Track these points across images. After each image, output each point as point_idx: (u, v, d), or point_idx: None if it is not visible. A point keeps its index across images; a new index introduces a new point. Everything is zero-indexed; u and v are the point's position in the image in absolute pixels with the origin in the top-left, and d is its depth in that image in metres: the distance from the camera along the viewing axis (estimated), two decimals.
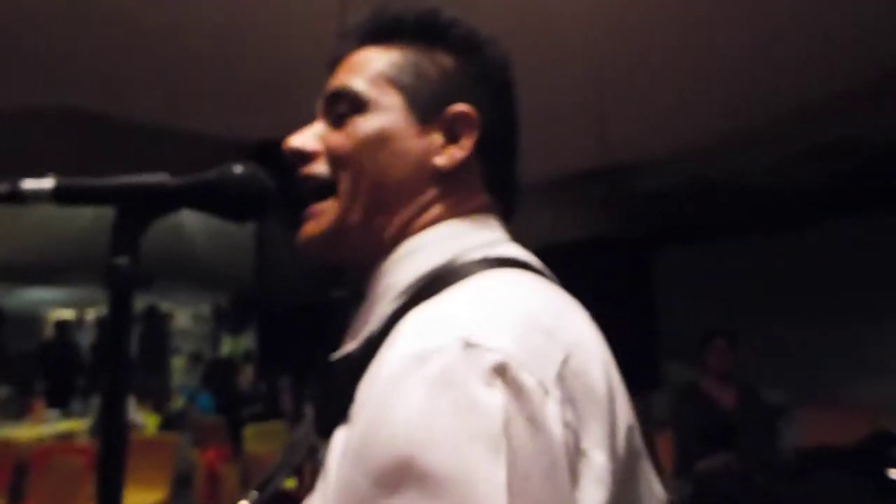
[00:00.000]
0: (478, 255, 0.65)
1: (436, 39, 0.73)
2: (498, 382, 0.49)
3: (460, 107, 0.70)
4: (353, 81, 0.71)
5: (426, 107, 0.70)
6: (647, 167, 5.18)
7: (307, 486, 0.68)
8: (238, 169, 0.62)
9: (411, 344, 0.53)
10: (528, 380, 0.50)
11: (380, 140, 0.68)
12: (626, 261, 5.55)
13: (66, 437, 5.37)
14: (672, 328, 4.84)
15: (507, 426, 0.47)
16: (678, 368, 4.20)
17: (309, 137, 0.72)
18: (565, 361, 0.53)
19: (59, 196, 0.63)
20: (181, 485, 5.50)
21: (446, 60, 0.72)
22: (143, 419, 5.80)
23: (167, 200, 0.62)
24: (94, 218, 5.65)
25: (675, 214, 5.80)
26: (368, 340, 0.63)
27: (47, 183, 0.63)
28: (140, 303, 8.45)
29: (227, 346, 11.02)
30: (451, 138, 0.70)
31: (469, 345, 0.50)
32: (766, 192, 5.21)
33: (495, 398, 0.48)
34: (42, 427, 5.47)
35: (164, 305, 10.02)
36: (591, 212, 5.49)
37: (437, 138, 0.70)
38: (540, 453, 0.48)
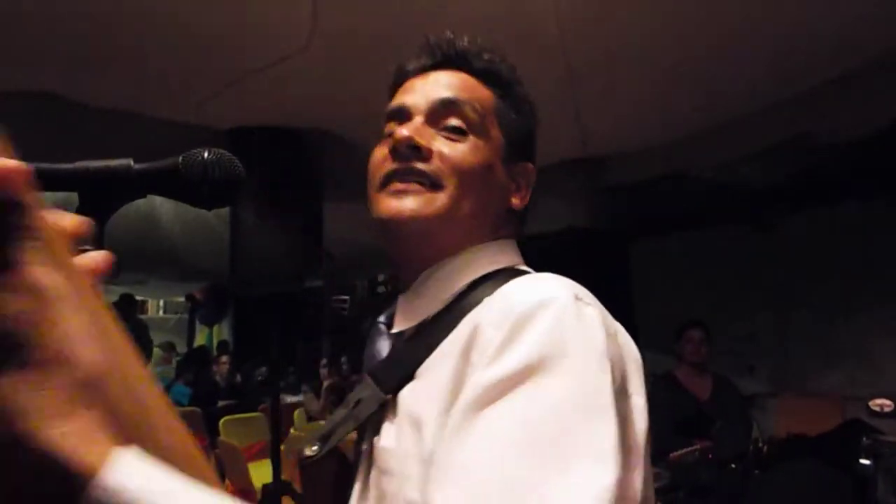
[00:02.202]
0: (519, 265, 0.83)
1: (508, 92, 0.86)
2: (598, 325, 0.65)
3: (530, 165, 0.87)
4: (474, 103, 0.81)
5: (515, 154, 0.85)
6: (622, 159, 5.20)
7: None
8: (204, 153, 0.60)
9: (529, 295, 0.66)
10: (610, 327, 0.68)
11: (488, 168, 0.80)
12: (603, 251, 5.58)
13: None
14: (649, 318, 4.87)
15: (608, 352, 0.63)
16: (655, 358, 4.23)
17: (424, 135, 0.79)
18: (613, 325, 0.70)
19: None
20: None
21: (522, 116, 0.87)
22: None
23: (131, 186, 0.59)
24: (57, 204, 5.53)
25: (650, 206, 5.83)
26: (438, 315, 0.77)
27: None
28: (113, 294, 8.33)
29: (201, 337, 10.92)
30: (517, 186, 0.85)
31: (578, 298, 0.66)
32: (738, 185, 5.26)
33: (601, 333, 0.64)
34: None
35: (138, 296, 9.87)
36: (568, 203, 5.49)
37: (511, 182, 0.84)
38: (620, 377, 0.65)
